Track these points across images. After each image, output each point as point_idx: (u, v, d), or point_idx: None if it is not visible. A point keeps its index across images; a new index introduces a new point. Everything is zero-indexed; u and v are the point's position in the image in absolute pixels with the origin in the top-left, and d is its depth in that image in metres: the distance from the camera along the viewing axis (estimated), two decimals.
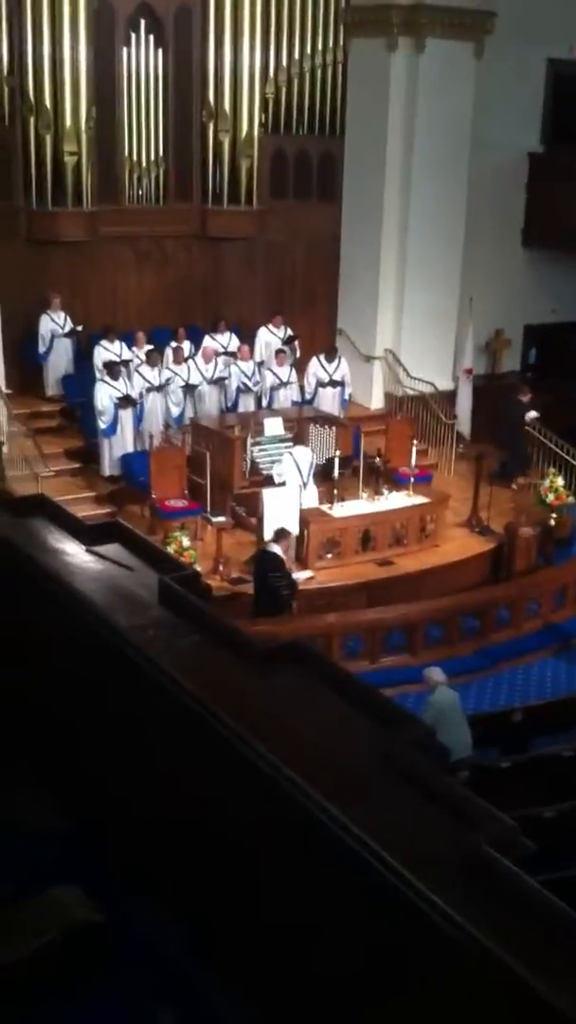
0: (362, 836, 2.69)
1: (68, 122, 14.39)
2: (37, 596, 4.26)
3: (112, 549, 4.47)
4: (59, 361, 14.85)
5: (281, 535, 11.22)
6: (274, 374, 14.63)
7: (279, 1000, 3.13)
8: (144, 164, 15.53)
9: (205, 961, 3.23)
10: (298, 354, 15.21)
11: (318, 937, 2.96)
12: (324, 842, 2.78)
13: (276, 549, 11.11)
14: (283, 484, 12.60)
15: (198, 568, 9.30)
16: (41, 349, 14.70)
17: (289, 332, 15.63)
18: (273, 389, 14.63)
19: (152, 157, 15.55)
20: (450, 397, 16.03)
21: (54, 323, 14.66)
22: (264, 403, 14.63)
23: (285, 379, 14.67)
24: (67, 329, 14.73)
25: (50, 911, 2.52)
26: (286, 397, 14.74)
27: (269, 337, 15.53)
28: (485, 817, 2.82)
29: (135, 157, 15.44)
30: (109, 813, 3.84)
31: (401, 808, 2.86)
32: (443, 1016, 2.58)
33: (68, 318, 14.74)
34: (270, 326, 15.62)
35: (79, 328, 14.77)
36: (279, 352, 14.91)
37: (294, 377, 14.80)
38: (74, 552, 4.42)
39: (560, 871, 5.75)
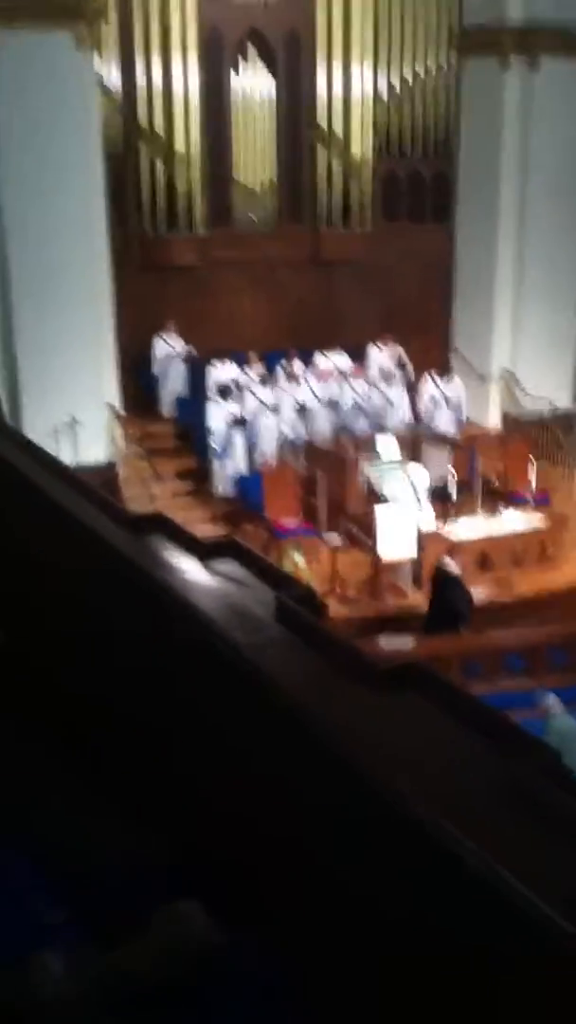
0: (499, 870, 2.57)
1: (180, 148, 14.64)
2: (155, 612, 4.26)
3: (228, 567, 4.46)
4: (174, 383, 15.07)
5: (453, 553, 11.12)
6: (383, 394, 14.53)
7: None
8: (256, 189, 15.67)
9: (307, 1001, 3.15)
10: (412, 377, 15.09)
11: (443, 977, 2.85)
12: (456, 877, 2.67)
13: (452, 566, 10.97)
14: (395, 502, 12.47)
15: (313, 587, 9.26)
16: (155, 371, 14.94)
17: (399, 350, 15.50)
18: (383, 410, 14.52)
19: (264, 182, 15.67)
20: (570, 417, 15.67)
21: (168, 346, 14.88)
22: (374, 425, 14.53)
23: (395, 400, 14.55)
24: (182, 352, 14.93)
25: (177, 927, 2.47)
26: (396, 419, 14.61)
27: (380, 357, 15.45)
28: None
29: (247, 182, 15.58)
30: (218, 841, 3.80)
31: (530, 837, 2.73)
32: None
33: (182, 341, 14.94)
34: (379, 343, 15.53)
35: (193, 351, 14.95)
36: (390, 372, 14.83)
37: (405, 398, 14.67)
38: (191, 569, 4.41)
39: None
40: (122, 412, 14.20)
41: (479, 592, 12.16)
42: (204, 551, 4.58)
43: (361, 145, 15.70)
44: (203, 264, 15.20)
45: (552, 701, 8.58)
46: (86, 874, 3.41)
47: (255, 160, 15.60)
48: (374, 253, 16.18)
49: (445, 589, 10.99)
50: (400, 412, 14.63)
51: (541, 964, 2.51)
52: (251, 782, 3.69)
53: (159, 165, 14.69)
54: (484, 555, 12.43)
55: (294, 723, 3.28)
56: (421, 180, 16.67)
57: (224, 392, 13.57)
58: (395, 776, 2.89)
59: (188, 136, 14.68)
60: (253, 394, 13.93)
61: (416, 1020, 2.95)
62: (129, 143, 14.85)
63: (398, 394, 14.62)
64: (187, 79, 14.50)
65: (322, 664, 3.61)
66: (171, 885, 3.22)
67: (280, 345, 15.48)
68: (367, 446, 13.49)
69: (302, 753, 3.29)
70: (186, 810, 4.04)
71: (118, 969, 2.49)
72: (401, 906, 2.96)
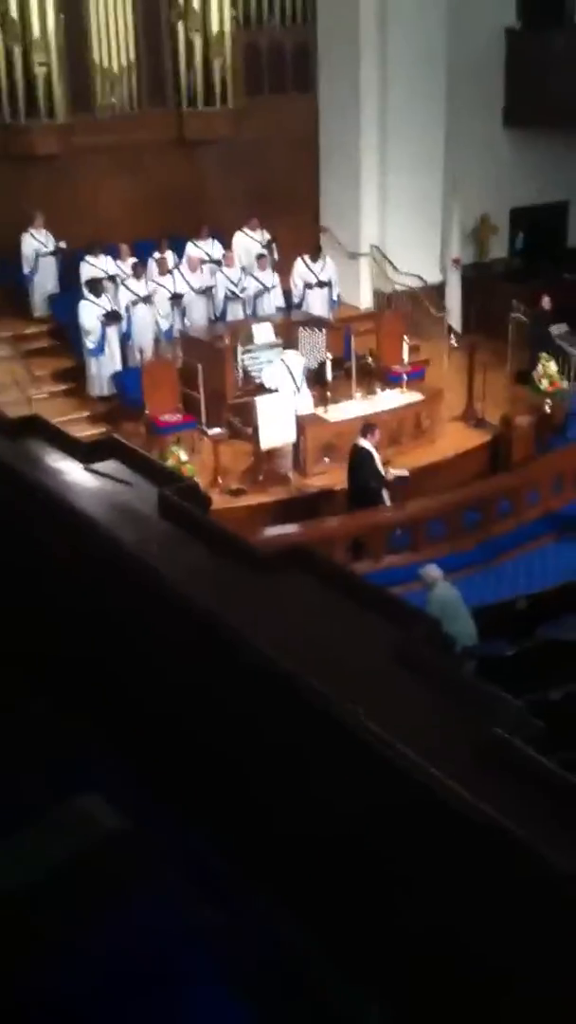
0: (377, 730, 2.75)
1: (36, 32, 13.92)
2: (37, 516, 4.28)
3: (110, 466, 4.48)
4: (45, 280, 14.62)
5: (368, 429, 11.31)
6: (256, 279, 14.42)
7: (310, 896, 3.24)
8: (115, 70, 15.07)
9: (236, 865, 3.33)
10: (276, 256, 14.94)
11: (340, 832, 3.05)
12: (341, 739, 2.85)
13: (366, 444, 11.16)
14: (275, 390, 12.53)
15: (198, 481, 9.34)
16: (26, 269, 14.46)
17: (267, 235, 15.34)
18: (256, 296, 14.42)
19: (123, 62, 15.08)
20: (439, 290, 15.82)
21: (37, 241, 14.40)
22: (248, 311, 14.44)
23: (268, 284, 14.46)
24: (51, 247, 14.47)
25: (75, 821, 2.58)
26: (270, 303, 14.54)
27: (246, 241, 15.24)
28: (493, 701, 2.88)
29: (106, 64, 14.97)
30: (124, 724, 3.93)
31: (413, 700, 2.93)
32: (469, 899, 2.67)
33: (51, 236, 14.47)
34: (246, 229, 15.32)
35: (63, 245, 14.50)
36: (259, 256, 14.68)
37: (277, 281, 14.59)
38: (72, 471, 4.42)
39: (571, 751, 5.89)
40: None
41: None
42: (84, 452, 4.59)
43: (219, 18, 15.15)
44: (65, 152, 14.62)
45: (432, 569, 8.90)
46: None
47: (114, 41, 14.94)
48: (239, 130, 15.81)
49: (358, 466, 11.28)
50: (270, 298, 14.55)
51: (399, 801, 2.72)
52: (151, 667, 3.81)
53: (15, 50, 13.94)
54: None
55: (183, 613, 3.39)
56: (282, 50, 16.25)
57: (95, 288, 13.26)
58: (279, 649, 3.03)
59: (44, 20, 13.92)
60: (127, 288, 13.65)
61: (329, 864, 3.17)
62: None
63: (268, 279, 14.51)
64: None
65: (208, 555, 3.72)
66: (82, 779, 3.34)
67: (150, 233, 15.11)
68: (242, 334, 13.44)
69: (192, 641, 3.41)
70: (96, 698, 4.15)
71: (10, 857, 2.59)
72: (297, 770, 3.14)
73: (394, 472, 11.50)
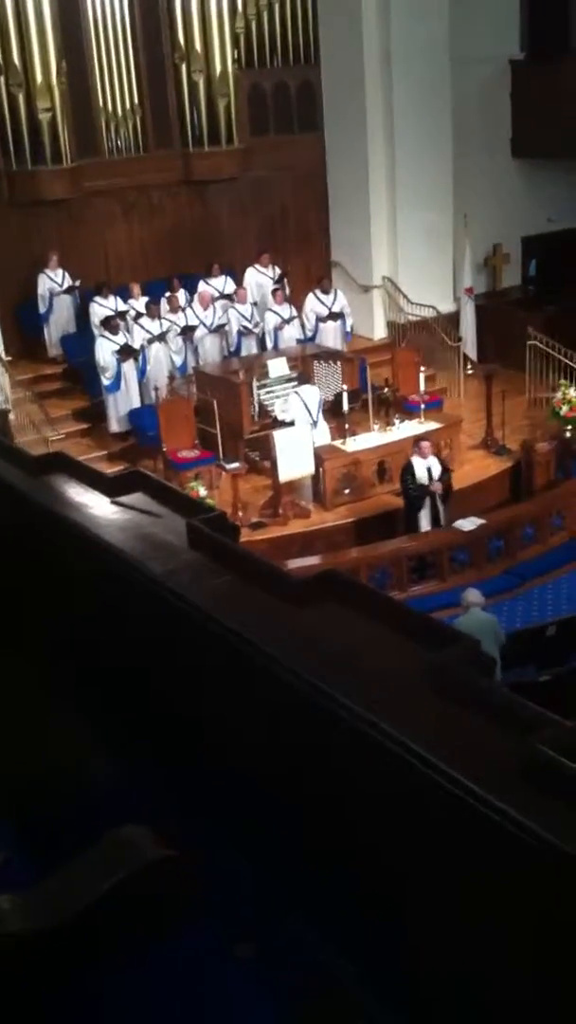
0: (420, 751, 2.68)
1: (39, 78, 14.11)
2: (66, 551, 4.25)
3: (136, 499, 4.45)
4: (60, 320, 14.72)
5: (417, 441, 11.69)
6: (275, 312, 14.47)
7: (355, 925, 3.16)
8: (120, 113, 15.25)
9: (279, 894, 3.26)
10: (287, 291, 15.01)
11: (388, 858, 2.97)
12: (384, 762, 2.77)
13: (415, 458, 11.48)
14: (291, 423, 12.52)
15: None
16: (41, 309, 14.57)
17: (278, 270, 15.42)
18: (276, 328, 14.47)
19: (128, 105, 15.26)
20: (453, 319, 15.85)
21: (52, 281, 14.51)
22: (269, 344, 14.49)
23: (286, 316, 14.51)
24: (65, 286, 14.58)
25: (115, 851, 2.53)
26: (290, 336, 14.58)
27: (258, 277, 15.35)
28: (539, 721, 2.80)
29: (110, 107, 15.16)
30: (166, 756, 3.86)
31: (456, 720, 2.85)
32: (524, 920, 2.59)
33: (66, 275, 14.58)
34: (257, 266, 15.43)
35: (77, 284, 14.60)
36: (275, 290, 14.74)
37: (295, 312, 14.65)
38: (98, 504, 4.39)
39: None
40: (6, 357, 13.85)
41: (379, 502, 12.41)
42: (110, 485, 4.56)
43: (222, 59, 15.34)
44: (74, 195, 14.78)
45: (472, 594, 8.80)
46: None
47: (117, 84, 15.13)
48: (247, 169, 15.96)
49: (401, 478, 11.68)
50: (290, 330, 14.59)
51: (448, 824, 2.63)
52: (189, 698, 3.75)
53: (19, 96, 14.13)
54: (382, 466, 12.61)
55: (222, 642, 3.33)
56: (287, 90, 16.41)
57: (110, 325, 13.33)
58: (316, 671, 2.97)
59: (46, 65, 14.12)
60: (141, 327, 13.72)
61: (377, 893, 3.08)
62: None
63: (285, 311, 14.56)
64: (40, 4, 13.85)
65: (240, 583, 3.66)
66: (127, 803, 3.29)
67: (162, 272, 15.25)
68: (257, 368, 13.47)
69: (235, 672, 3.35)
70: (132, 729, 4.09)
71: (60, 889, 2.55)
72: (342, 795, 3.07)
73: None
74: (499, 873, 2.60)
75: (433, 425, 13.04)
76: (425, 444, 11.56)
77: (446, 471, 11.67)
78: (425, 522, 11.66)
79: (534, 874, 2.48)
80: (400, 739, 2.74)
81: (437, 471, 11.53)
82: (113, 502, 4.40)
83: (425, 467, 11.49)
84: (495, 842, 2.53)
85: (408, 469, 11.55)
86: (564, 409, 13.42)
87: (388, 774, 2.79)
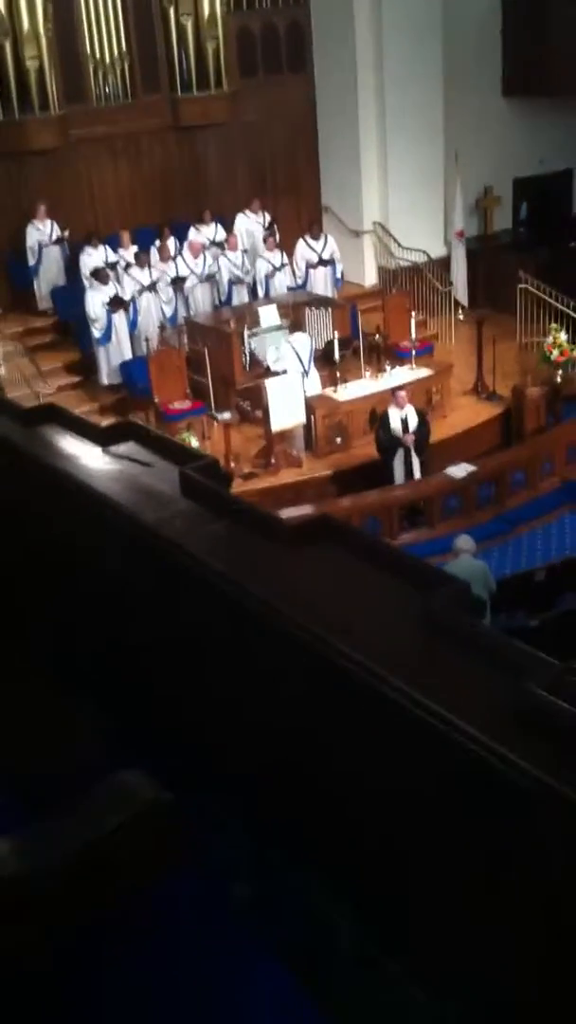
0: (417, 696, 2.72)
1: (25, 25, 13.84)
2: (59, 501, 4.27)
3: (128, 449, 4.47)
4: (49, 272, 14.58)
5: (394, 391, 11.63)
6: (266, 260, 14.36)
7: (348, 870, 3.23)
8: (108, 59, 14.99)
9: (273, 840, 3.33)
10: (278, 238, 14.88)
11: (382, 804, 3.03)
12: (378, 707, 2.82)
13: (392, 408, 11.45)
14: (283, 372, 12.49)
15: None
16: (31, 261, 14.43)
17: (268, 216, 15.27)
18: (268, 276, 14.37)
19: (116, 51, 15.00)
20: (444, 264, 15.75)
21: (40, 232, 14.35)
22: (261, 292, 14.40)
23: (278, 263, 14.40)
24: (54, 237, 14.43)
25: (118, 794, 2.59)
26: (282, 283, 14.48)
27: (248, 224, 15.20)
28: (531, 662, 2.85)
29: (98, 54, 14.89)
30: (159, 709, 3.92)
31: (448, 663, 2.90)
32: (523, 865, 2.65)
33: (55, 225, 14.43)
34: (247, 212, 15.27)
35: (66, 234, 14.45)
36: (266, 236, 14.62)
37: (287, 260, 14.53)
38: (91, 455, 4.41)
39: None
40: None
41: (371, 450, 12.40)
42: (102, 436, 4.58)
43: (210, 1, 15.03)
44: (62, 144, 14.57)
45: (463, 541, 8.81)
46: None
47: (105, 30, 14.85)
48: (235, 113, 15.74)
49: (378, 428, 11.60)
50: (282, 277, 14.49)
51: (445, 769, 2.69)
52: (181, 648, 3.80)
53: (6, 45, 13.86)
54: (373, 413, 12.59)
55: (217, 589, 3.37)
56: (275, 31, 16.13)
57: (100, 276, 13.22)
58: (311, 618, 3.01)
59: (33, 12, 13.83)
60: (131, 276, 13.61)
61: (369, 840, 3.15)
62: None
63: (277, 259, 14.45)
64: None
65: (234, 529, 3.70)
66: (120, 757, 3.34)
67: (152, 220, 15.09)
68: (248, 317, 13.39)
69: (229, 616, 3.40)
70: (125, 684, 4.15)
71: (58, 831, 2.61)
72: (338, 741, 3.12)
73: (458, 472, 11.53)
74: (495, 814, 2.66)
75: (424, 372, 13.03)
76: (401, 394, 11.51)
77: (423, 423, 11.61)
78: (399, 474, 11.62)
79: (532, 814, 2.54)
80: (394, 683, 2.79)
81: (413, 422, 11.49)
82: (105, 452, 4.42)
83: (400, 418, 11.45)
84: (490, 783, 2.59)
85: (382, 419, 11.51)
86: (555, 354, 13.39)
87: (381, 717, 2.85)
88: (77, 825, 2.75)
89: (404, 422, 11.43)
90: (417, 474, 11.65)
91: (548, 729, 2.61)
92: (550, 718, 2.63)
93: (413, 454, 11.56)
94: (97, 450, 4.46)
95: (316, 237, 14.81)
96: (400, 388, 11.69)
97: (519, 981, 2.77)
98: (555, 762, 2.51)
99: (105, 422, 12.13)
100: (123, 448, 4.48)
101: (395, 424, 11.42)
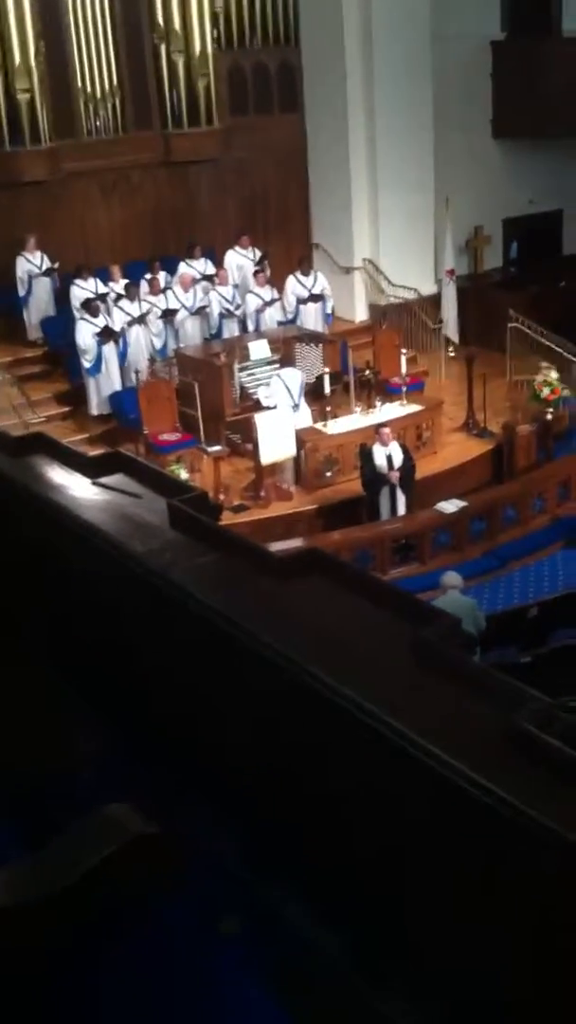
0: (402, 729, 2.68)
1: (17, 58, 13.95)
2: (48, 532, 4.23)
3: (117, 480, 4.43)
4: (39, 302, 14.58)
5: (379, 428, 11.58)
6: (256, 295, 14.41)
7: (337, 899, 3.16)
8: (99, 94, 15.11)
9: (262, 868, 3.27)
10: (268, 273, 14.94)
11: (369, 832, 2.98)
12: (366, 738, 2.78)
13: (376, 444, 11.42)
14: (274, 407, 12.49)
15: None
16: (20, 292, 14.43)
17: (258, 252, 15.36)
18: (258, 311, 14.42)
19: (107, 86, 15.13)
20: (435, 301, 15.84)
21: (31, 264, 14.38)
22: (251, 327, 14.43)
23: (268, 298, 14.45)
24: (44, 268, 14.46)
25: (101, 828, 2.53)
26: (272, 318, 14.53)
27: (239, 259, 15.26)
28: (521, 697, 2.81)
29: (89, 88, 15.02)
30: (152, 732, 3.86)
31: (439, 697, 2.86)
32: (509, 896, 2.60)
33: (45, 257, 14.47)
34: (237, 248, 15.34)
35: (56, 266, 14.49)
36: (256, 272, 14.69)
37: (276, 295, 14.59)
38: (79, 486, 4.38)
39: None
40: None
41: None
42: (91, 466, 4.55)
43: (201, 39, 15.22)
44: (53, 177, 14.65)
45: (451, 577, 8.77)
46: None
47: (96, 65, 14.98)
48: (227, 150, 15.86)
49: (362, 464, 11.57)
50: (272, 312, 14.53)
51: (430, 799, 2.64)
52: (174, 676, 3.74)
53: None
54: (363, 448, 12.58)
55: (204, 621, 3.32)
56: (266, 71, 16.30)
57: (90, 308, 13.24)
58: (298, 649, 2.96)
59: (24, 46, 13.95)
60: (120, 309, 13.64)
61: (359, 866, 3.09)
62: None
63: (267, 293, 14.50)
64: None
65: (222, 562, 3.65)
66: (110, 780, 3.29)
67: (142, 254, 15.14)
68: (239, 351, 13.41)
69: (218, 650, 3.34)
70: (118, 707, 4.08)
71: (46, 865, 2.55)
72: (325, 771, 3.07)
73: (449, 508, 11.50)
74: (485, 847, 2.61)
75: (415, 408, 13.04)
76: (385, 431, 11.48)
77: (408, 459, 11.58)
78: (384, 510, 11.58)
79: (521, 850, 2.49)
80: (383, 717, 2.74)
81: (398, 458, 11.48)
82: (94, 483, 4.39)
83: (385, 455, 11.41)
84: (481, 818, 2.54)
85: (366, 455, 11.47)
86: (545, 392, 13.43)
87: (371, 749, 2.80)
88: (61, 858, 2.69)
89: (389, 459, 11.41)
90: (402, 510, 11.61)
91: (536, 762, 2.57)
92: (538, 751, 2.59)
93: (399, 490, 11.53)
94: (85, 481, 4.42)
95: (306, 273, 14.88)
96: (383, 425, 11.66)
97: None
98: (543, 795, 2.47)
99: (94, 452, 12.15)
100: (112, 479, 4.45)
101: (380, 460, 11.39)
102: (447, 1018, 2.85)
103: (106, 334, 13.13)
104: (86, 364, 13.20)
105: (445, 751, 2.62)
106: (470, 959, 2.75)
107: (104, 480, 4.42)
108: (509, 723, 2.68)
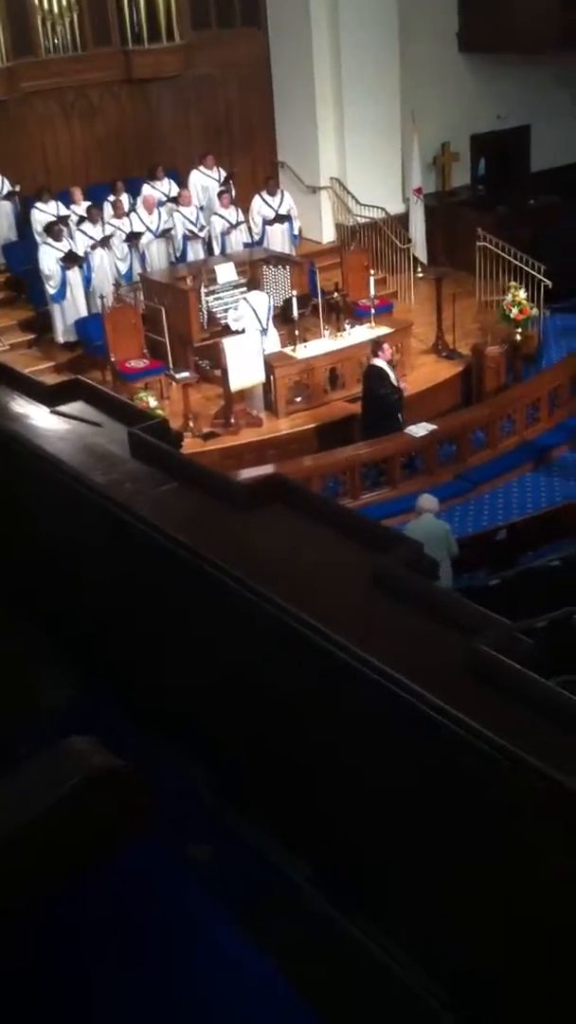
0: (367, 656, 2.68)
1: None
2: (5, 464, 4.17)
3: (77, 408, 4.36)
4: (0, 228, 14.26)
5: (377, 347, 11.39)
6: (221, 217, 14.14)
7: (304, 827, 3.20)
8: (57, 10, 14.59)
9: (231, 798, 3.30)
10: (234, 194, 14.64)
11: (335, 761, 3.00)
12: (330, 667, 2.78)
13: (380, 362, 11.18)
14: (242, 331, 12.33)
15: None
16: None
17: (223, 172, 15.02)
18: (224, 233, 14.16)
19: (64, 1, 14.59)
20: (403, 221, 15.60)
21: None
22: (216, 249, 14.18)
23: (234, 220, 14.18)
24: (4, 192, 14.10)
25: (66, 761, 2.53)
26: (238, 240, 14.28)
27: (203, 180, 14.92)
28: (481, 622, 2.82)
29: (46, 4, 14.48)
30: (115, 667, 3.86)
31: (400, 624, 2.86)
32: (474, 820, 2.63)
33: (5, 180, 14.09)
34: (201, 168, 14.99)
35: (17, 189, 14.13)
36: (221, 193, 14.39)
37: (242, 217, 14.32)
38: (38, 415, 4.31)
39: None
40: None
41: (332, 409, 12.34)
42: (50, 395, 4.47)
43: None
44: (11, 97, 14.20)
45: (427, 500, 8.72)
46: None
47: None
48: (188, 66, 15.42)
49: (377, 383, 11.26)
50: (238, 234, 14.27)
51: (395, 727, 2.67)
52: (136, 609, 3.73)
53: None
54: (333, 372, 12.51)
55: (168, 551, 3.30)
56: None
57: (53, 232, 12.94)
58: (261, 578, 2.95)
59: None
60: (82, 231, 13.35)
61: (323, 796, 3.12)
62: None
63: (232, 215, 14.22)
64: None
65: (184, 491, 3.62)
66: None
67: (104, 176, 14.81)
68: (205, 274, 13.19)
69: (179, 577, 3.33)
70: (84, 642, 4.08)
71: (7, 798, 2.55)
72: (289, 700, 3.08)
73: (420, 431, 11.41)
74: (448, 772, 2.63)
75: (384, 330, 12.91)
76: (387, 346, 11.43)
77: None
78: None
79: (483, 774, 2.51)
80: (343, 642, 2.74)
81: (391, 373, 11.45)
82: (53, 412, 4.32)
83: (390, 369, 11.39)
84: (442, 743, 2.56)
85: (379, 374, 11.30)
86: (514, 312, 13.30)
87: (332, 677, 2.81)
88: (26, 791, 2.69)
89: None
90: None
91: (496, 688, 2.59)
92: (498, 677, 2.60)
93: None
94: (44, 410, 4.35)
95: (272, 193, 14.60)
96: (382, 339, 11.55)
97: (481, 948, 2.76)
98: (497, 716, 2.49)
99: (61, 381, 11.98)
100: (71, 408, 4.37)
101: (392, 376, 11.33)
102: (413, 938, 2.91)
103: (70, 259, 12.88)
104: (50, 290, 12.97)
105: (404, 674, 2.63)
106: (426, 877, 2.79)
107: (63, 409, 4.35)
108: (469, 648, 2.69)
